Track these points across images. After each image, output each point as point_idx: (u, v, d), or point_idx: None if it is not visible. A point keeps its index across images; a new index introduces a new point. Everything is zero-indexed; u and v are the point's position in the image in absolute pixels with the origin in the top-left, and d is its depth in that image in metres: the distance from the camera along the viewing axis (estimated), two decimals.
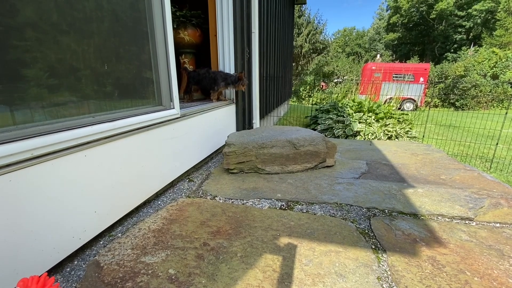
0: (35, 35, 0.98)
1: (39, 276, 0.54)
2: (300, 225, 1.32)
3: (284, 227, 1.30)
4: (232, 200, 1.61)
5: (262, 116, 3.98)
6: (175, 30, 2.89)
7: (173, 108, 1.69)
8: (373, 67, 12.27)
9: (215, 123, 2.46)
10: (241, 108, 3.04)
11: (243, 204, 1.56)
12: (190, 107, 2.06)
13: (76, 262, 1.10)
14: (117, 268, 1.02)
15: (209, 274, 0.99)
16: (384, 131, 4.19)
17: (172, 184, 1.81)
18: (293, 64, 14.80)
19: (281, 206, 1.54)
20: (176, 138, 1.75)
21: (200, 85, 2.68)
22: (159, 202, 1.59)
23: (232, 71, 2.81)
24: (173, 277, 0.97)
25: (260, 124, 3.86)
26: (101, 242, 1.21)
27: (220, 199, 1.63)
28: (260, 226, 1.31)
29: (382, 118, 4.53)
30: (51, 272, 1.02)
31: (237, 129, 3.04)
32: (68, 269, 1.06)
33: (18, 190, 0.85)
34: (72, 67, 1.11)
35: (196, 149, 2.10)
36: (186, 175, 2.01)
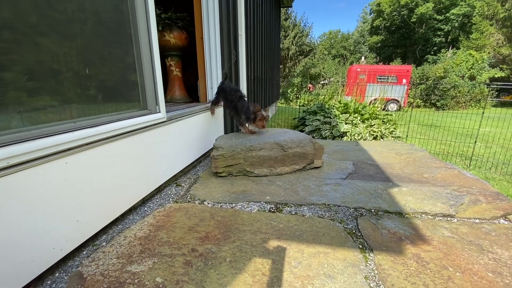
0: (13, 36, 0.94)
1: None
2: (289, 227, 1.32)
3: (273, 230, 1.30)
4: (221, 204, 1.60)
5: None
6: (161, 32, 2.86)
7: (159, 112, 1.66)
8: (358, 69, 12.57)
9: (203, 126, 2.44)
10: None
11: (232, 207, 1.55)
12: (177, 111, 2.03)
13: (57, 274, 1.05)
14: (102, 278, 0.99)
15: (197, 281, 0.97)
16: (369, 131, 4.29)
17: (159, 189, 1.78)
18: (281, 66, 14.94)
19: (270, 208, 1.54)
20: (162, 143, 1.72)
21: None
22: (146, 208, 1.55)
23: (219, 73, 2.80)
24: (160, 286, 0.95)
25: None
26: (84, 252, 1.17)
27: (208, 203, 1.61)
28: (249, 229, 1.31)
29: (367, 119, 4.64)
30: (31, 285, 0.98)
31: (226, 132, 3.02)
32: (49, 282, 1.01)
33: None
34: (51, 70, 1.08)
35: (183, 153, 2.07)
36: (174, 180, 1.98)
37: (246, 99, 2.29)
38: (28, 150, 0.89)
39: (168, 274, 1.01)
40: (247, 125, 2.33)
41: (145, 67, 1.54)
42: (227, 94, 2.32)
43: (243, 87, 3.52)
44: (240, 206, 1.57)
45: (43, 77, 1.05)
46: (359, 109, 4.91)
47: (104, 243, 1.23)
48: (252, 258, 1.09)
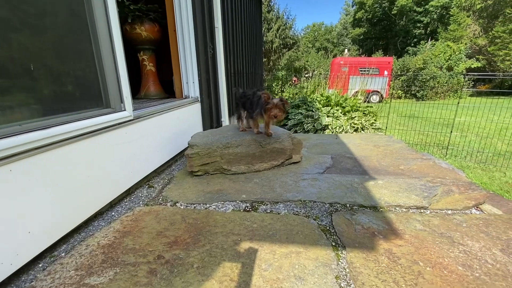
0: None
1: None
2: (262, 226, 1.28)
3: (246, 230, 1.26)
4: (195, 205, 1.53)
5: (232, 114, 3.90)
6: (131, 25, 2.70)
7: (124, 110, 1.56)
8: (341, 62, 12.66)
9: (178, 123, 2.34)
10: (207, 106, 2.94)
11: (206, 208, 1.49)
12: (147, 108, 1.93)
13: None
14: None
15: None
16: (350, 123, 4.32)
17: (128, 192, 1.69)
18: (265, 59, 14.80)
19: (245, 207, 1.50)
20: (130, 143, 1.62)
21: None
22: (113, 213, 1.46)
23: (195, 68, 2.70)
24: None
25: (229, 122, 3.78)
26: (40, 265, 1.08)
27: (181, 205, 1.54)
28: (221, 232, 1.26)
29: (348, 111, 4.66)
30: None
31: (204, 129, 2.93)
32: None
33: None
34: None
35: (156, 152, 1.97)
36: (146, 181, 1.89)
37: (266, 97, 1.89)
38: None
39: (130, 285, 0.94)
40: (257, 122, 2.04)
41: (106, 62, 1.43)
42: (244, 102, 2.11)
43: (222, 81, 3.42)
44: (214, 207, 1.51)
45: None
46: (341, 101, 4.93)
47: (63, 254, 1.14)
48: (221, 263, 1.04)
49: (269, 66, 16.65)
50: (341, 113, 4.58)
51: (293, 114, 4.75)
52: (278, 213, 1.41)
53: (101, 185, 1.39)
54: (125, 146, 1.57)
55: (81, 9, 1.31)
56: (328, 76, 9.24)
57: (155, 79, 2.98)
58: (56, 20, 1.21)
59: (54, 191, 1.12)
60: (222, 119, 3.50)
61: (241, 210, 1.46)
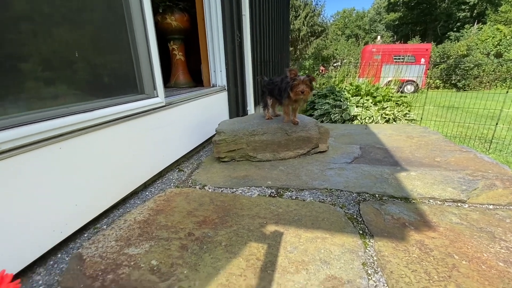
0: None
1: None
2: (288, 212, 1.30)
3: (271, 214, 1.28)
4: (222, 189, 1.58)
5: (257, 103, 3.91)
6: (162, 15, 2.79)
7: (157, 96, 1.63)
8: (373, 49, 11.98)
9: (205, 111, 2.41)
10: (233, 95, 2.97)
11: (233, 192, 1.54)
12: (177, 95, 2.00)
13: (59, 255, 1.09)
14: (100, 260, 1.01)
15: (191, 264, 0.97)
16: (381, 114, 4.12)
17: (161, 175, 1.79)
18: (291, 48, 14.47)
19: (270, 193, 1.52)
20: (162, 128, 1.70)
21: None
22: (147, 193, 1.57)
23: (222, 57, 2.73)
24: (155, 268, 0.96)
25: (255, 111, 3.80)
26: (85, 235, 1.20)
27: (209, 188, 1.60)
28: (247, 214, 1.29)
29: (380, 101, 4.44)
30: (35, 265, 1.01)
31: (230, 117, 2.98)
32: (51, 262, 1.05)
33: None
34: (42, 56, 1.06)
35: (185, 138, 2.05)
36: (176, 165, 1.98)
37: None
38: (18, 136, 0.89)
39: (164, 257, 1.01)
40: (288, 109, 2.00)
41: (141, 51, 1.50)
42: (271, 89, 2.08)
43: (249, 70, 3.43)
44: (240, 191, 1.55)
45: (35, 63, 1.03)
46: (372, 91, 4.70)
47: (105, 226, 1.25)
48: (248, 243, 1.08)
49: (295, 56, 16.27)
50: (371, 103, 4.38)
51: (320, 104, 4.64)
52: (304, 200, 1.41)
53: (137, 166, 1.49)
54: (158, 131, 1.66)
55: (119, 3, 1.38)
56: (358, 64, 8.82)
57: (184, 68, 3.06)
58: (97, 14, 1.29)
59: (97, 169, 1.23)
60: (247, 108, 3.53)
61: (267, 196, 1.49)
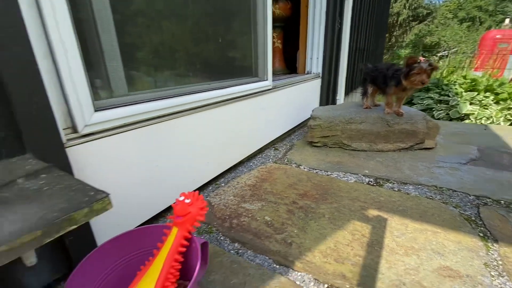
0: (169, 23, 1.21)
1: (193, 192, 0.73)
2: (390, 201, 1.29)
3: (372, 200, 1.30)
4: (316, 171, 1.67)
5: (346, 93, 3.77)
6: None
7: (267, 80, 1.81)
8: (498, 36, 9.58)
9: (301, 96, 2.50)
10: (326, 82, 2.96)
11: (328, 175, 1.60)
12: (280, 80, 2.15)
13: None
14: (224, 208, 1.25)
15: (299, 226, 1.11)
16: (505, 115, 3.37)
17: (260, 151, 2.00)
18: (386, 35, 12.96)
19: (368, 181, 1.52)
20: (266, 109, 1.88)
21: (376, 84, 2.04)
22: (251, 164, 1.79)
23: (321, 44, 2.73)
24: (269, 223, 1.13)
25: (344, 101, 3.68)
26: (210, 188, 1.49)
27: (304, 168, 1.71)
28: (346, 196, 1.34)
29: (505, 100, 3.62)
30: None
31: (320, 104, 3.00)
32: None
33: (158, 136, 1.13)
34: (199, 48, 1.34)
35: (282, 120, 2.21)
36: (272, 144, 2.17)
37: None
38: (184, 102, 1.18)
39: (275, 216, 1.18)
40: (391, 99, 1.89)
41: (259, 39, 1.68)
42: (374, 77, 2.01)
43: (344, 58, 3.32)
44: (336, 175, 1.60)
45: (194, 55, 1.32)
46: (494, 86, 3.86)
47: (223, 184, 1.52)
48: (351, 220, 1.14)
49: (389, 43, 14.54)
50: (492, 101, 3.62)
51: (420, 98, 4.11)
52: (407, 193, 1.36)
53: (246, 139, 1.72)
54: (264, 111, 1.85)
55: None
56: (475, 54, 7.28)
57: (280, 55, 3.21)
58: (234, 9, 1.51)
59: (221, 137, 1.48)
60: (337, 97, 3.45)
61: (364, 183, 1.49)
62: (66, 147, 0.76)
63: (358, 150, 1.98)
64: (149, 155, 1.06)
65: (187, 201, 0.70)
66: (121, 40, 0.97)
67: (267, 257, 0.96)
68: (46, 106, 0.68)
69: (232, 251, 0.99)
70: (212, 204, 1.29)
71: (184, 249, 0.67)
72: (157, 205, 1.16)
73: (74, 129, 0.80)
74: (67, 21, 0.73)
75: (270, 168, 1.71)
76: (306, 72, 2.90)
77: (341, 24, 3.09)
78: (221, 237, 1.07)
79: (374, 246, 0.98)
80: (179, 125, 1.19)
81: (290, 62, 3.27)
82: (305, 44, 2.82)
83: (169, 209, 1.23)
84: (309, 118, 2.41)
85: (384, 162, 1.75)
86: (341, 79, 3.39)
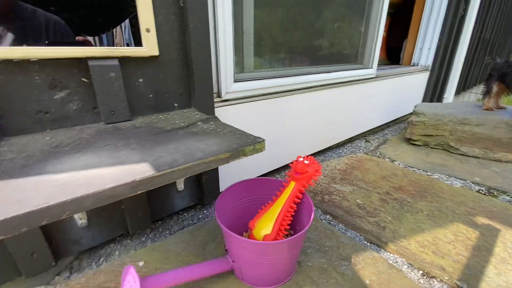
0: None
1: (309, 156, 0.85)
2: (506, 214, 1.13)
3: (482, 209, 1.17)
4: (414, 169, 1.57)
5: (457, 91, 3.24)
6: None
7: (371, 68, 1.76)
8: None
9: (402, 89, 2.32)
10: (435, 77, 2.63)
11: (427, 175, 1.50)
12: (383, 70, 2.05)
13: (282, 172, 1.54)
14: (315, 185, 1.35)
15: (394, 215, 1.11)
16: None
17: (350, 140, 1.99)
18: None
19: (479, 190, 1.35)
20: (365, 98, 1.85)
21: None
22: (340, 151, 1.82)
23: (437, 33, 2.42)
24: (360, 205, 1.17)
25: (452, 101, 3.19)
26: None
27: (399, 164, 1.64)
28: (449, 199, 1.25)
29: None
30: (281, 170, 1.50)
31: (423, 101, 2.70)
32: (283, 173, 1.51)
33: (273, 109, 1.28)
34: (307, 36, 1.43)
35: (378, 112, 2.12)
36: (363, 136, 2.12)
37: None
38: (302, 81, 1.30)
39: (366, 201, 1.21)
40: None
41: (371, 24, 1.65)
42: (503, 74, 1.73)
43: (461, 51, 2.84)
44: (437, 177, 1.48)
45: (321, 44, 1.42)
46: None
47: None
48: (454, 222, 1.07)
49: None
50: None
51: None
52: None
53: (339, 126, 1.75)
54: (361, 100, 1.82)
55: None
56: None
57: (382, 44, 2.99)
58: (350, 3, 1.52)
59: (318, 117, 1.56)
60: (444, 96, 3.02)
61: (473, 191, 1.34)
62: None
63: (469, 156, 1.74)
64: (265, 122, 1.24)
65: (306, 162, 0.82)
66: (255, 28, 1.14)
67: (358, 234, 1.02)
68: (209, 74, 0.91)
69: (324, 221, 1.09)
70: None
71: (298, 200, 0.81)
72: (267, 164, 1.35)
73: (218, 94, 1.02)
74: (228, 4, 0.93)
75: (361, 158, 1.70)
76: (411, 64, 2.64)
77: (465, 10, 2.64)
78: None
79: (482, 251, 0.91)
80: (287, 102, 1.33)
81: (392, 52, 3.02)
82: (416, 33, 2.55)
83: (273, 171, 1.41)
84: (407, 114, 2.23)
85: (502, 173, 1.50)
86: (454, 74, 2.93)
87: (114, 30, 0.87)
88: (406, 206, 1.18)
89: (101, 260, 0.87)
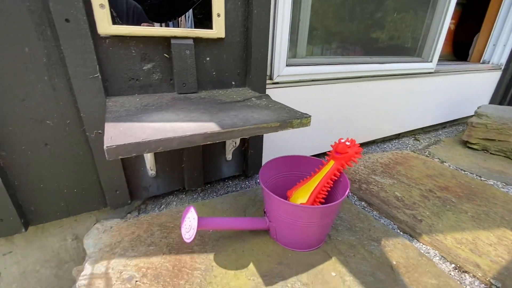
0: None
1: (351, 138, 0.90)
2: None
3: None
4: (466, 172, 1.48)
5: None
6: None
7: (431, 61, 1.67)
8: None
9: (466, 88, 2.13)
10: (509, 77, 2.33)
11: (481, 180, 1.40)
12: (445, 65, 1.91)
13: None
14: (354, 173, 1.38)
15: (433, 211, 1.10)
16: None
17: (397, 136, 1.92)
18: None
19: None
20: (419, 93, 1.76)
21: None
22: (385, 146, 1.78)
23: None
24: (398, 198, 1.18)
25: None
26: None
27: (450, 165, 1.55)
28: (501, 205, 1.17)
29: None
30: None
31: (491, 103, 2.42)
32: None
33: (317, 95, 1.33)
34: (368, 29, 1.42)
35: (432, 110, 1.99)
36: (412, 134, 2.02)
37: None
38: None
39: (406, 195, 1.21)
40: None
41: (436, 16, 1.55)
42: None
43: None
44: (492, 183, 1.38)
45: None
46: None
47: None
48: (501, 227, 1.02)
49: None
50: None
51: None
52: None
53: (388, 120, 1.71)
54: (414, 95, 1.74)
55: None
56: None
57: (449, 38, 2.73)
58: None
59: (364, 109, 1.56)
60: None
61: None
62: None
63: None
64: (311, 107, 1.30)
65: (347, 143, 0.88)
66: (311, 16, 1.20)
67: (392, 222, 1.04)
68: (264, 57, 1.00)
69: (358, 206, 1.13)
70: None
71: (335, 178, 0.87)
72: (309, 150, 1.42)
73: (270, 76, 1.11)
74: None
75: (407, 155, 1.65)
76: (481, 61, 2.38)
77: None
78: (349, 193, 1.22)
79: None
80: (335, 90, 1.36)
81: (459, 48, 2.74)
82: (491, 27, 2.28)
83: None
84: (468, 117, 2.06)
85: None
86: None
87: (179, 18, 1.01)
88: (449, 205, 1.15)
89: (162, 207, 1.05)
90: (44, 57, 0.69)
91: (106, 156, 0.48)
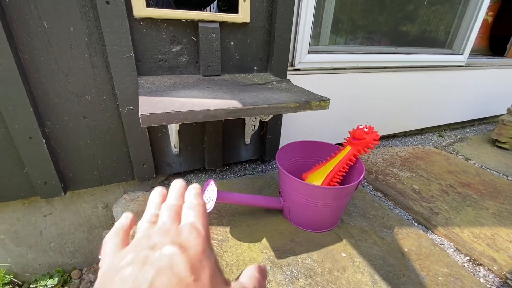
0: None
1: (369, 125, 0.91)
2: None
3: None
4: (492, 171, 1.42)
5: None
6: None
7: (461, 54, 1.59)
8: None
9: (499, 85, 2.01)
10: None
11: (508, 179, 1.34)
12: (477, 59, 1.81)
13: None
14: (371, 165, 1.38)
15: (452, 206, 1.08)
16: None
17: (420, 132, 1.87)
18: None
19: None
20: (447, 88, 1.69)
21: None
22: (406, 140, 1.74)
23: None
24: (416, 190, 1.17)
25: None
26: None
27: (475, 163, 1.50)
28: None
29: None
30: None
31: None
32: None
33: (339, 83, 1.33)
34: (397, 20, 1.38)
35: (460, 106, 1.91)
36: (436, 130, 1.95)
37: None
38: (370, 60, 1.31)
39: (424, 188, 1.19)
40: None
41: (470, 5, 1.47)
42: None
43: None
44: None
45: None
46: None
47: None
48: None
49: None
50: None
51: None
52: None
53: (411, 114, 1.67)
54: (442, 89, 1.68)
55: None
56: None
57: (485, 31, 2.57)
58: None
59: (386, 101, 1.53)
60: None
61: None
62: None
63: None
64: (331, 95, 1.29)
65: (365, 130, 0.88)
66: (336, 4, 1.19)
67: (407, 213, 1.04)
68: (287, 43, 1.02)
69: (374, 195, 1.13)
70: (360, 157, 1.44)
71: (351, 163, 0.89)
72: (327, 139, 1.43)
73: (291, 63, 1.13)
74: None
75: (429, 150, 1.61)
76: None
77: None
78: (365, 183, 1.22)
79: None
80: (357, 80, 1.35)
81: (497, 42, 2.56)
82: None
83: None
84: (500, 115, 1.95)
85: None
86: None
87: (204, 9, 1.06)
88: (470, 201, 1.12)
89: None
90: (86, 36, 0.76)
91: (141, 123, 0.53)
